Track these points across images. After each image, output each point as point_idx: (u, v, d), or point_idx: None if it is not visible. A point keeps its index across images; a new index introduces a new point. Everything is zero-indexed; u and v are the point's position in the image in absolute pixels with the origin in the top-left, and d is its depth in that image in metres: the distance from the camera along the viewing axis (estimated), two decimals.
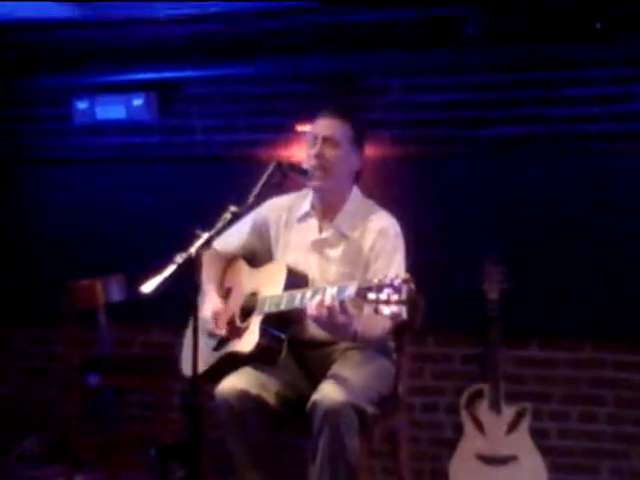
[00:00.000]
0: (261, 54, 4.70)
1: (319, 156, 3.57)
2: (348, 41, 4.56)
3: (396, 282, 3.02)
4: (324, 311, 3.20)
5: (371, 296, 3.05)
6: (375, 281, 3.06)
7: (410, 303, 3.04)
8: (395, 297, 3.00)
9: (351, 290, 3.14)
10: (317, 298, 3.24)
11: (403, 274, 3.12)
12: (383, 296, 3.02)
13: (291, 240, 3.73)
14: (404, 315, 3.32)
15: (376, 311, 3.07)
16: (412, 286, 3.01)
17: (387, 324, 3.45)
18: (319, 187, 3.62)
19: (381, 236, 3.59)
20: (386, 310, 3.06)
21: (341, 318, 3.22)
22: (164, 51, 4.89)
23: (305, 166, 3.59)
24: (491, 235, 4.57)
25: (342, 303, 3.23)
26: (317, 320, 3.26)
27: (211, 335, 3.63)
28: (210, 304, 3.66)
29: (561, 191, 4.52)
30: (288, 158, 3.87)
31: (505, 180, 4.60)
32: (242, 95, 5.04)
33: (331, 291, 3.22)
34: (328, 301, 3.20)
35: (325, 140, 3.58)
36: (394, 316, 3.13)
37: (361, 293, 3.09)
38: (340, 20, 4.54)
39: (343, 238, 3.62)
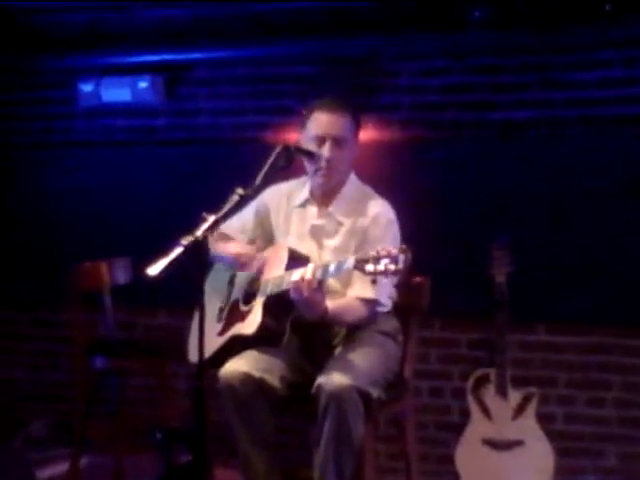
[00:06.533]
0: (268, 36, 4.68)
1: (331, 160, 3.56)
2: (356, 24, 4.53)
3: (393, 252, 3.04)
4: (303, 286, 3.24)
5: (369, 268, 3.06)
6: (372, 253, 3.07)
7: (408, 272, 3.08)
8: (392, 267, 3.02)
9: (349, 262, 3.15)
10: (299, 273, 3.27)
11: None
12: (381, 267, 3.04)
13: (290, 227, 3.73)
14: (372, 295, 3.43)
15: (374, 282, 3.10)
16: (410, 255, 3.02)
17: (362, 312, 3.48)
18: (326, 185, 3.62)
19: (373, 224, 3.59)
20: (384, 280, 3.07)
21: (316, 295, 3.27)
22: (170, 33, 4.87)
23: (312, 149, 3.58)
24: (498, 219, 4.55)
25: (320, 282, 3.27)
26: (294, 293, 3.29)
27: (242, 268, 3.67)
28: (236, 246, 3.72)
29: (569, 175, 4.49)
30: (295, 141, 3.84)
31: (513, 163, 4.57)
32: (249, 78, 5.01)
33: (329, 268, 3.26)
34: (308, 275, 3.24)
35: (333, 140, 3.55)
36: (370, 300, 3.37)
37: (359, 265, 3.11)
38: (348, 2, 4.51)
39: (339, 225, 3.63)
